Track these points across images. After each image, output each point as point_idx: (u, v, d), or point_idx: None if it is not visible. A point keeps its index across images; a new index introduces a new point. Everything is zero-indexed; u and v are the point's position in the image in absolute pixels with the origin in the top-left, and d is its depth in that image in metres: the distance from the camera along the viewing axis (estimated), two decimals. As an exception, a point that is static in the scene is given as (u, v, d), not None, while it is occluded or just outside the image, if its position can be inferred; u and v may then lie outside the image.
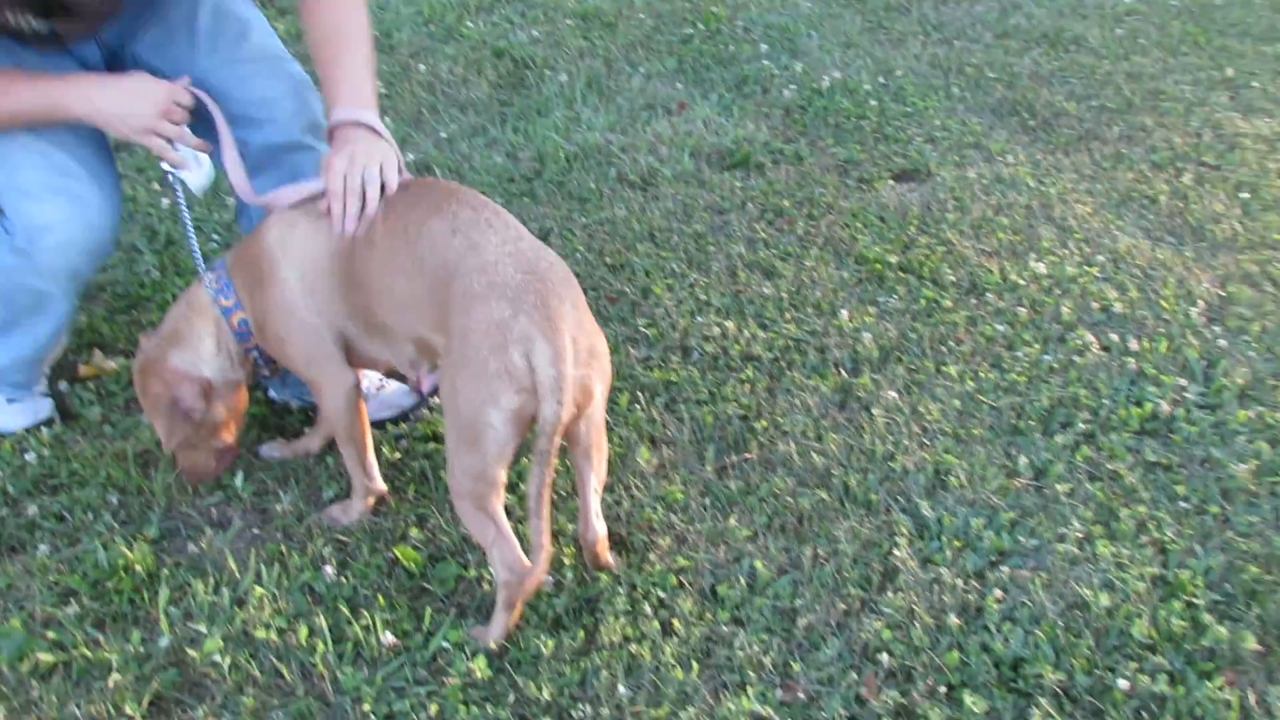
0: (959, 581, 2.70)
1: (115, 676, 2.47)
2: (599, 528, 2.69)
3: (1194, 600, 2.64)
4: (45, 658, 2.53)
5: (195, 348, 2.81)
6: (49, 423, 3.22)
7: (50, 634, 2.59)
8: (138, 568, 2.75)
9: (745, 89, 5.31)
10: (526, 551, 2.51)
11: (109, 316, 3.70)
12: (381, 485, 2.93)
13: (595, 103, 5.11)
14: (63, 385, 3.37)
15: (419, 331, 2.63)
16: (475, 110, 5.08)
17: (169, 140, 2.78)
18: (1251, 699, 2.42)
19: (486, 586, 2.71)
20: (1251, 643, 2.52)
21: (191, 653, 2.53)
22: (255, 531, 2.91)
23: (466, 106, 5.14)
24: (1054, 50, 5.87)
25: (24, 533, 2.89)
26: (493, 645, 2.55)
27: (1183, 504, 2.94)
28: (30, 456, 3.08)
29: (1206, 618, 2.58)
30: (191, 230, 3.02)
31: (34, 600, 2.69)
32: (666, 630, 2.60)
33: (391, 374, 3.15)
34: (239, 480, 3.02)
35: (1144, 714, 2.40)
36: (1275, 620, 2.59)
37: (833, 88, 5.25)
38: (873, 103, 5.12)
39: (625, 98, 5.19)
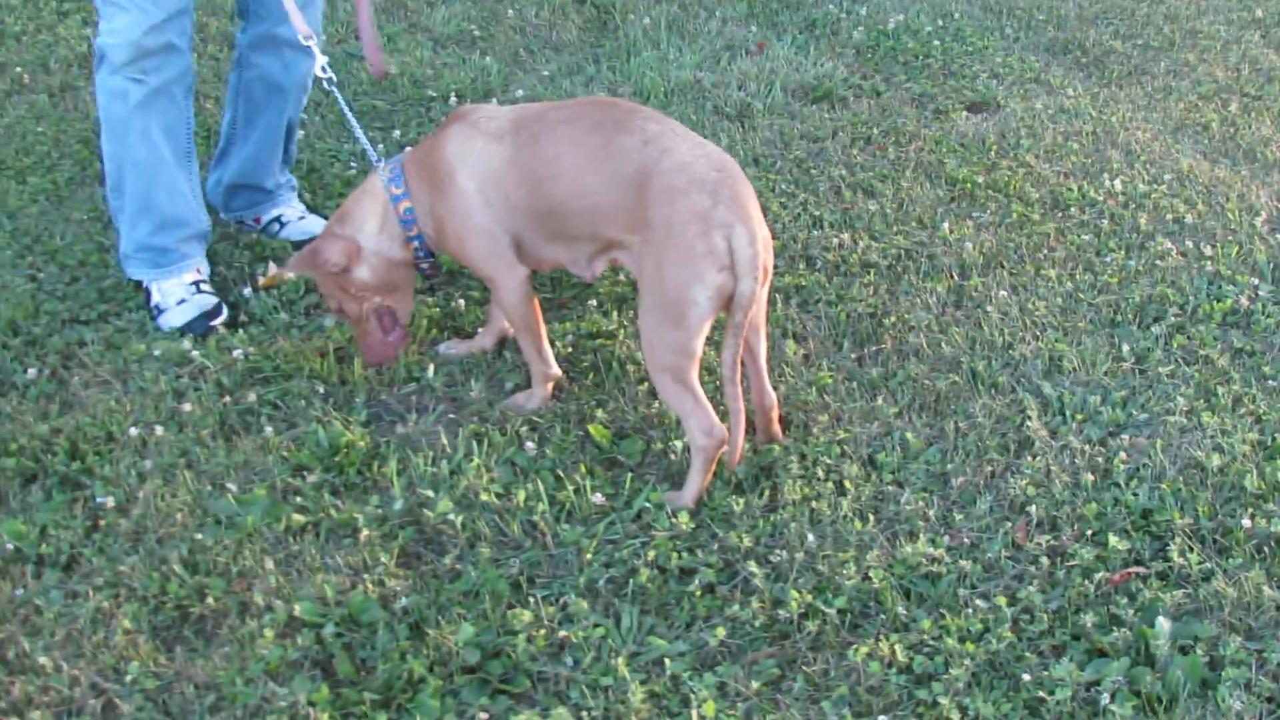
0: (1086, 448, 2.99)
1: (365, 532, 2.73)
2: (772, 395, 2.97)
3: (1297, 459, 2.93)
4: (297, 518, 2.79)
5: (359, 223, 3.08)
6: (228, 323, 3.46)
7: (296, 500, 2.85)
8: (360, 444, 3.00)
9: (816, 31, 5.54)
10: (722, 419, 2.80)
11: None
12: (557, 370, 3.19)
13: (679, 44, 5.34)
14: (246, 291, 3.62)
15: (607, 234, 2.90)
16: (569, 51, 5.31)
17: None
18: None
19: (673, 457, 2.98)
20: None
21: (428, 513, 2.80)
22: (452, 416, 3.16)
23: (560, 48, 5.37)
24: (1094, -6, 6.12)
25: (249, 417, 3.14)
26: (690, 505, 2.82)
27: (1270, 382, 3.23)
28: (238, 353, 3.33)
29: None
30: (356, 124, 3.30)
31: (271, 474, 2.94)
32: (839, 490, 2.87)
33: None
34: (430, 373, 3.27)
35: (1264, 549, 2.70)
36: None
37: (898, 29, 5.49)
38: (936, 43, 5.37)
39: (705, 40, 5.42)
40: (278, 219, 3.93)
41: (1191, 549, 2.68)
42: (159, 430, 3.03)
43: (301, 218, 3.93)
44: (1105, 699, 2.33)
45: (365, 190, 3.11)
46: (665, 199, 2.72)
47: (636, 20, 5.57)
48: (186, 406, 3.12)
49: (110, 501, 2.82)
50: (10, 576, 2.65)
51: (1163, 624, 2.47)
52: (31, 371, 3.25)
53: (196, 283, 3.53)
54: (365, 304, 3.17)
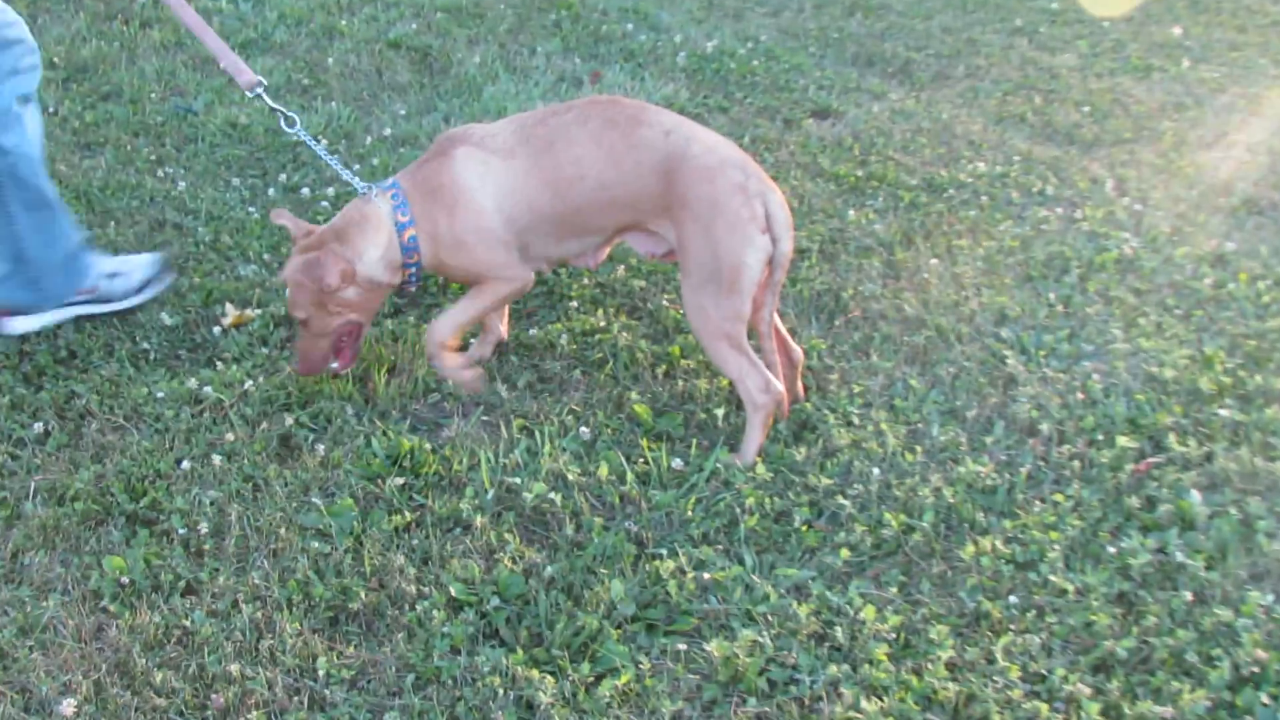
0: (1062, 375, 3.60)
1: (478, 519, 2.99)
2: (799, 350, 3.42)
3: None
4: (398, 518, 3.01)
5: (359, 249, 3.22)
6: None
7: (384, 504, 3.06)
8: (416, 451, 3.24)
9: (638, 59, 6.07)
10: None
11: (226, 270, 4.07)
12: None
13: (514, 79, 5.75)
14: (215, 330, 3.75)
15: (627, 220, 3.29)
16: (413, 92, 5.61)
17: None
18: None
19: (721, 424, 3.38)
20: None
21: (526, 495, 3.08)
22: (487, 418, 3.44)
23: (400, 90, 5.66)
24: (869, 16, 6.97)
25: (293, 440, 3.31)
26: (751, 462, 3.23)
27: (1177, 310, 3.96)
28: (249, 385, 3.48)
29: None
30: (327, 154, 3.52)
31: (346, 485, 3.14)
32: (879, 432, 3.36)
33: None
34: (449, 383, 3.53)
35: (1238, 433, 3.37)
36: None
37: (715, 52, 6.11)
38: (755, 62, 6.01)
39: (537, 74, 5.84)
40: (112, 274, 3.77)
41: (1184, 442, 3.31)
42: (215, 460, 3.16)
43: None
44: (1179, 555, 2.90)
45: (367, 216, 3.25)
46: (704, 178, 3.13)
47: (465, 60, 5.93)
48: (230, 436, 3.25)
49: (204, 528, 2.94)
50: (134, 607, 2.75)
51: (1195, 495, 3.08)
52: (38, 427, 3.29)
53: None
54: (336, 320, 3.34)
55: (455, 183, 3.24)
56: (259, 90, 3.44)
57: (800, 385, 3.46)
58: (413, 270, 3.30)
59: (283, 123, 3.48)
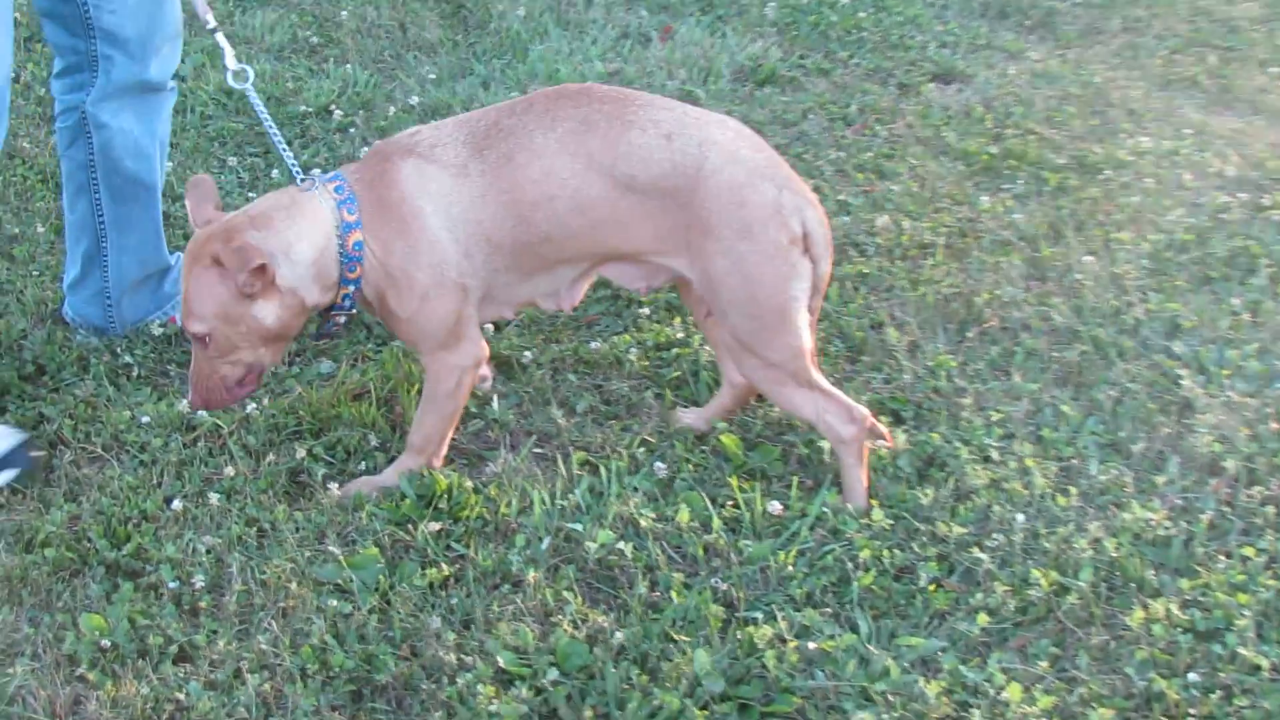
0: (1250, 400, 3.57)
1: (531, 574, 3.00)
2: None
3: None
4: (434, 572, 3.02)
5: (286, 240, 2.97)
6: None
7: (415, 554, 3.08)
8: (455, 489, 3.26)
9: (719, 9, 6.11)
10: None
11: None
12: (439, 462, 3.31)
13: (567, 35, 5.79)
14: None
15: (613, 249, 3.15)
16: (444, 51, 5.67)
17: None
18: None
19: (828, 458, 3.38)
20: None
21: (589, 545, 3.09)
22: (540, 450, 3.46)
23: (430, 49, 5.72)
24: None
25: (304, 476, 3.34)
26: (865, 505, 3.22)
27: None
28: (252, 409, 3.52)
29: None
30: (274, 128, 3.40)
31: (368, 532, 3.16)
32: (1023, 470, 3.34)
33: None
34: (495, 406, 3.56)
35: None
36: None
37: (814, 3, 6.13)
38: (861, 14, 6.03)
39: (595, 29, 5.89)
40: None
41: None
42: (212, 499, 3.20)
43: None
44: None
45: (299, 204, 3.03)
46: (732, 199, 3.03)
47: (507, 12, 5.98)
48: (229, 470, 3.29)
49: (200, 581, 2.98)
50: (117, 676, 2.78)
51: None
52: (2, 456, 3.35)
53: None
54: (242, 351, 3.07)
55: (406, 200, 3.05)
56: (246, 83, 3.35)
57: (878, 426, 3.43)
58: (348, 293, 3.08)
59: (229, 77, 3.34)
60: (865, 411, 3.20)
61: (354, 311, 3.15)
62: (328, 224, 3.02)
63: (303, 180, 3.11)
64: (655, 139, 3.05)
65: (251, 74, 3.37)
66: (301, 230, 3.00)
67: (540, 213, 3.06)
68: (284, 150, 3.32)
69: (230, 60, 3.34)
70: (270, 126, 3.36)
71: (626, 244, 3.14)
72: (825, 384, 3.20)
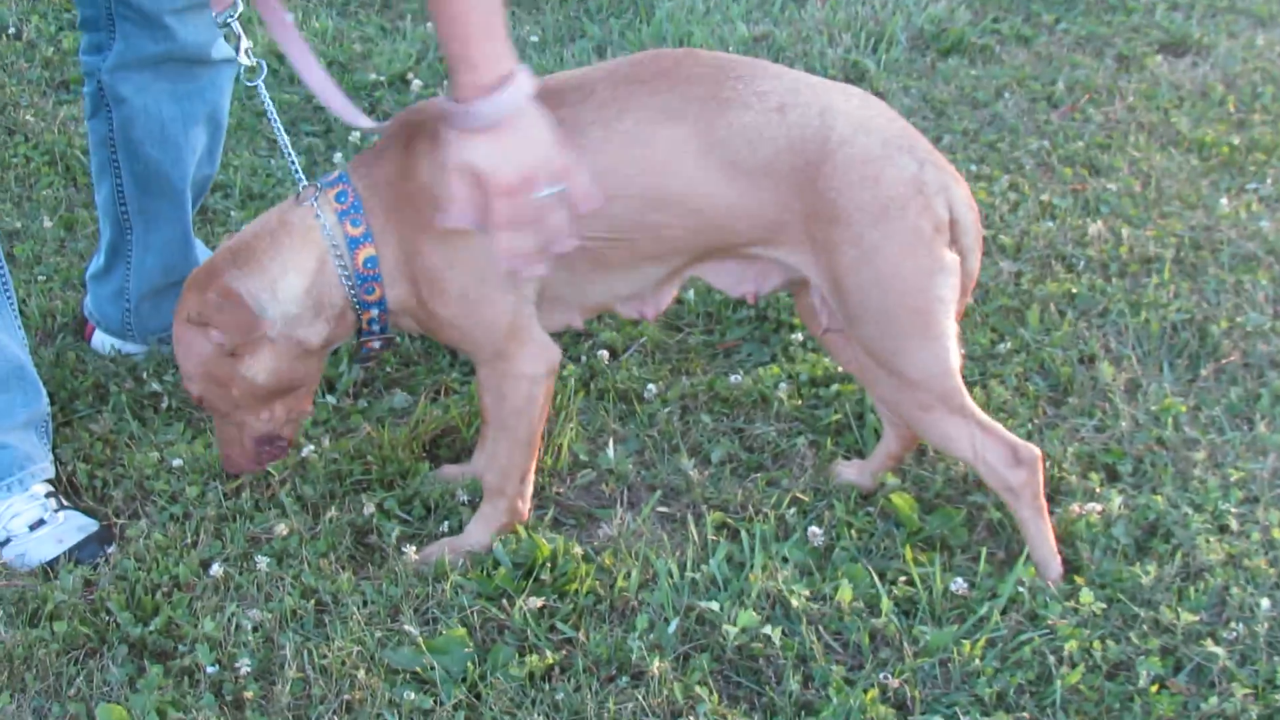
0: None
1: (656, 665, 3.06)
2: None
3: None
4: (535, 660, 3.09)
5: (270, 277, 3.08)
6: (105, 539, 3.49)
7: (509, 636, 3.15)
8: (560, 557, 3.33)
9: (887, -36, 6.18)
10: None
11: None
12: (526, 511, 3.41)
13: (700, -8, 5.90)
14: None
15: (713, 245, 3.21)
16: (550, 9, 5.79)
17: None
18: None
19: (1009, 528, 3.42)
20: None
21: (727, 629, 3.15)
22: (665, 509, 3.53)
23: (532, 5, 5.84)
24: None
25: (373, 536, 3.42)
26: (1059, 571, 3.25)
27: None
28: (309, 451, 3.61)
29: None
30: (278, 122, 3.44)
31: (453, 607, 3.23)
32: (1269, 544, 3.36)
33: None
34: (611, 453, 3.63)
35: None
36: None
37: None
38: (1073, -33, 6.08)
39: (733, -16, 5.99)
40: None
41: None
42: (260, 563, 3.30)
43: None
44: None
45: (288, 226, 3.14)
46: (866, 176, 3.06)
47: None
48: (281, 528, 3.38)
49: (245, 666, 3.07)
50: (146, 781, 2.88)
51: None
52: (3, 506, 3.47)
53: (51, 494, 3.51)
54: (244, 413, 3.22)
55: (426, 190, 3.10)
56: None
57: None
58: (374, 314, 3.17)
59: (241, 72, 3.42)
60: (1036, 451, 3.22)
61: (391, 336, 3.23)
62: (322, 244, 3.11)
63: (303, 189, 3.16)
64: (766, 114, 3.07)
65: (265, 69, 3.42)
66: (288, 260, 3.09)
67: (617, 203, 3.07)
68: (288, 152, 3.36)
69: (244, 56, 3.39)
70: (277, 126, 3.42)
71: (727, 238, 3.17)
72: (981, 414, 3.21)
